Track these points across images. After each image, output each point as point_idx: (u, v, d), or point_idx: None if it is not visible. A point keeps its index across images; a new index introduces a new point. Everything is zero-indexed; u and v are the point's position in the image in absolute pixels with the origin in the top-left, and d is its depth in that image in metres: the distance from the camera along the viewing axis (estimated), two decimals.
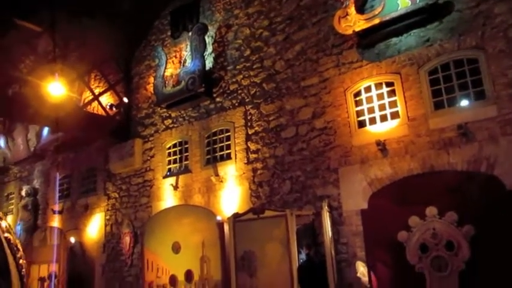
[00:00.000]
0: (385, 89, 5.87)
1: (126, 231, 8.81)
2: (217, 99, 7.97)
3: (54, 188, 10.57)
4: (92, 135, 9.61)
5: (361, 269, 5.34)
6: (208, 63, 8.09)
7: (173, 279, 7.07)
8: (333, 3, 6.50)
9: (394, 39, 5.81)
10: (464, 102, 5.25)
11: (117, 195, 9.35)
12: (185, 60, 8.50)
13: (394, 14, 5.54)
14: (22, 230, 10.74)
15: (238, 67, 7.75)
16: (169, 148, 8.67)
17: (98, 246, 9.30)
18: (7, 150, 11.61)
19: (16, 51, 9.18)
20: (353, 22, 5.91)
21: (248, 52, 7.64)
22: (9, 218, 12.16)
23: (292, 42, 7.01)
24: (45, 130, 10.52)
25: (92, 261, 9.31)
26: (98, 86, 10.30)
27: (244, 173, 7.21)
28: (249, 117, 7.40)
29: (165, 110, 8.81)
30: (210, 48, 8.15)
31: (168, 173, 8.46)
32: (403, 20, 5.58)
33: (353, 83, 6.14)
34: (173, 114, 8.71)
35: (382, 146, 5.57)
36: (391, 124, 5.66)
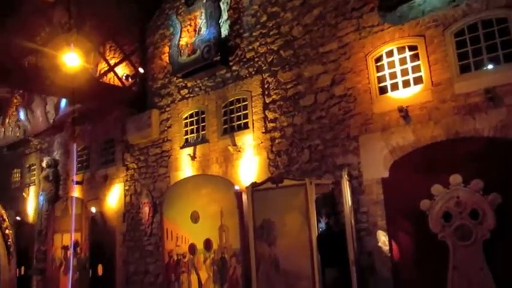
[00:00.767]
0: (407, 53, 5.62)
1: (145, 201, 8.89)
2: (234, 68, 7.81)
3: (75, 159, 10.69)
4: (109, 107, 9.62)
5: (382, 238, 5.27)
6: (224, 31, 7.89)
7: (192, 248, 7.14)
8: None
9: (418, 0, 5.51)
10: (492, 65, 4.99)
11: (135, 166, 9.40)
12: (200, 28, 8.30)
13: None
14: (44, 200, 10.97)
15: (254, 34, 7.54)
16: (186, 118, 8.61)
17: (118, 216, 9.45)
18: (27, 123, 11.72)
19: (31, 23, 9.14)
20: None
21: (264, 18, 7.41)
22: (32, 189, 12.44)
23: (310, 6, 6.74)
24: (63, 102, 10.54)
25: (113, 231, 9.47)
26: (113, 57, 10.24)
27: (262, 143, 7.12)
28: (266, 86, 7.24)
29: (181, 79, 8.71)
30: (225, 15, 7.93)
31: (186, 143, 8.43)
32: None
33: (374, 47, 5.90)
34: (189, 84, 8.60)
35: (404, 112, 5.38)
36: (414, 90, 5.45)
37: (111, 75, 9.58)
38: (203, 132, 8.20)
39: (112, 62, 9.77)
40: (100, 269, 9.20)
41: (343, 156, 5.99)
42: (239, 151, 7.41)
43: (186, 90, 8.67)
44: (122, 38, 9.95)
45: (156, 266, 8.47)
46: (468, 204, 4.54)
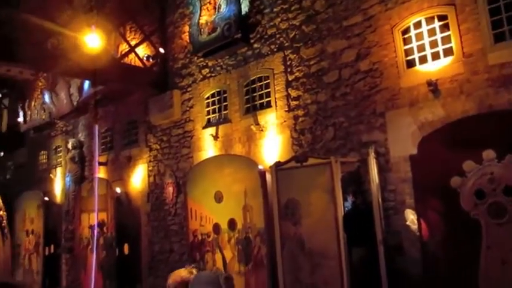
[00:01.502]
0: (437, 24, 5.35)
1: (169, 181, 8.93)
2: (255, 46, 7.64)
3: (97, 141, 10.80)
4: (131, 88, 9.62)
5: (411, 217, 5.12)
6: (244, 8, 7.69)
7: (217, 228, 7.14)
8: None
9: None
10: None
11: (158, 147, 9.43)
12: (220, 5, 8.11)
13: None
14: (71, 181, 11.17)
15: (275, 10, 7.33)
16: (207, 98, 8.53)
17: (142, 196, 9.54)
18: (52, 106, 11.88)
19: (53, 5, 9.14)
20: None
21: None
22: (59, 170, 12.68)
23: None
24: (86, 84, 10.60)
25: (138, 210, 9.58)
26: (133, 38, 10.18)
27: (285, 121, 6.99)
28: (288, 63, 7.07)
29: (201, 59, 8.60)
30: None
31: (208, 124, 8.37)
32: None
33: (401, 19, 5.64)
34: (210, 63, 8.49)
35: (433, 86, 5.15)
36: (444, 62, 5.20)
37: (132, 56, 9.54)
38: (225, 112, 8.11)
39: (133, 43, 9.72)
40: (126, 248, 9.35)
41: (369, 134, 5.82)
42: (262, 130, 7.31)
43: (207, 70, 8.57)
44: (142, 18, 9.88)
45: (180, 245, 8.54)
46: (502, 181, 4.33)
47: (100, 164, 10.63)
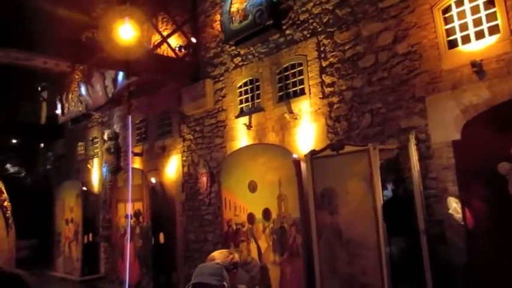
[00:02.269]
0: (481, 0, 5.04)
1: (203, 171, 8.94)
2: (287, 32, 7.49)
3: (132, 132, 10.95)
4: (164, 78, 9.66)
5: (454, 205, 4.89)
6: None
7: (251, 217, 7.09)
8: None
9: None
10: None
11: (191, 137, 9.45)
12: None
13: None
14: (107, 171, 11.40)
15: None
16: (240, 87, 8.45)
17: (177, 186, 9.61)
18: (88, 98, 12.10)
19: None
20: None
21: None
22: (96, 161, 12.97)
23: None
24: (120, 76, 10.73)
25: (172, 200, 9.67)
26: (165, 29, 10.21)
27: (319, 108, 6.83)
28: (322, 48, 6.88)
29: (233, 47, 8.52)
30: None
31: (241, 113, 8.31)
32: None
33: None
34: (242, 52, 8.39)
35: (478, 67, 4.87)
36: (489, 41, 4.90)
37: (164, 46, 9.56)
38: (258, 101, 8.02)
39: (165, 33, 9.74)
40: (161, 237, 9.48)
41: (408, 119, 5.59)
42: (296, 118, 7.17)
43: (239, 58, 8.48)
44: (173, 8, 9.88)
45: (215, 235, 8.56)
46: None
47: (135, 154, 10.79)
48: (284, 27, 7.50)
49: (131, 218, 9.76)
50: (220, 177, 7.86)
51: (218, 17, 8.74)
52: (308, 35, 7.11)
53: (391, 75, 5.88)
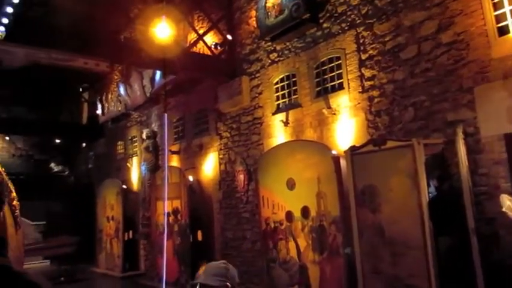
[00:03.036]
0: None
1: (240, 169, 8.88)
2: (324, 25, 7.30)
3: (170, 130, 11.04)
4: (200, 76, 9.67)
5: (507, 203, 4.57)
6: None
7: (289, 215, 6.96)
8: None
9: None
10: None
11: (228, 135, 9.41)
12: None
13: None
14: (146, 169, 11.56)
15: None
16: (276, 83, 8.33)
17: (214, 184, 9.60)
18: (127, 97, 12.32)
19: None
20: None
21: None
22: (135, 159, 13.20)
23: None
24: (158, 75, 10.84)
25: (210, 198, 9.67)
26: (201, 27, 10.22)
27: (359, 103, 6.62)
28: (361, 41, 6.66)
29: (269, 43, 8.40)
30: None
31: (277, 109, 8.19)
32: None
33: None
34: (278, 47, 8.27)
35: None
36: None
37: (200, 44, 9.58)
38: (295, 97, 7.87)
39: (200, 31, 9.74)
40: (199, 235, 9.50)
41: (455, 112, 5.30)
42: (334, 114, 6.98)
43: (275, 54, 8.36)
44: (209, 6, 9.87)
45: (252, 233, 8.49)
46: None
47: (173, 152, 10.88)
48: (321, 20, 7.32)
49: (170, 216, 9.84)
50: (257, 175, 7.78)
51: (253, 13, 8.66)
52: (346, 28, 6.90)
53: (435, 66, 5.60)
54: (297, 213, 6.83)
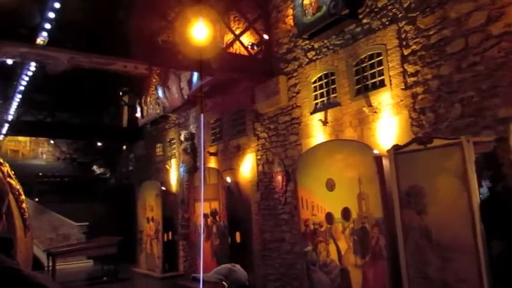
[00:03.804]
0: None
1: (278, 170, 8.77)
2: (364, 21, 7.08)
3: (207, 132, 11.07)
4: (237, 77, 9.63)
5: None
6: None
7: (329, 217, 6.77)
8: None
9: None
10: None
11: (266, 135, 9.31)
12: None
13: None
14: (184, 171, 11.65)
15: None
16: (314, 82, 8.16)
17: (252, 185, 9.52)
18: (165, 100, 12.47)
19: (163, 1, 9.52)
20: None
21: None
22: (173, 161, 13.34)
23: None
24: (195, 77, 10.89)
25: (248, 199, 9.60)
26: (237, 27, 10.19)
27: (401, 100, 6.35)
28: (403, 36, 6.40)
29: (307, 41, 8.25)
30: None
31: (316, 109, 8.02)
32: None
33: None
34: (316, 45, 8.10)
35: None
36: None
37: (236, 45, 9.54)
38: (334, 95, 7.68)
39: (237, 32, 9.71)
40: (238, 236, 9.45)
41: (508, 107, 4.96)
42: (375, 112, 6.75)
43: (313, 52, 8.19)
44: (245, 5, 9.82)
45: (291, 235, 8.35)
46: None
47: (210, 154, 10.90)
48: (360, 16, 7.10)
49: (208, 217, 9.85)
50: (296, 176, 7.63)
51: (290, 11, 8.53)
52: (387, 23, 6.65)
53: (484, 60, 5.28)
54: (337, 215, 6.64)
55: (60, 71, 8.16)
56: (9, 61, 8.22)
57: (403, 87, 6.32)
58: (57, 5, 6.37)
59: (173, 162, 13.40)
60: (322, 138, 7.70)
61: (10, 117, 14.98)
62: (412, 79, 6.19)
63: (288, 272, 8.41)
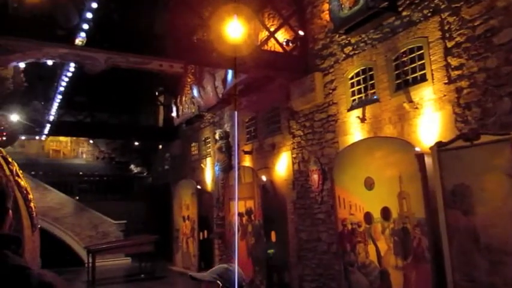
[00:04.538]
0: None
1: (314, 168, 8.60)
2: (404, 13, 6.81)
3: (242, 130, 11.02)
4: (271, 74, 9.52)
5: None
6: None
7: (368, 217, 6.57)
8: None
9: None
10: None
11: (301, 133, 9.16)
12: None
13: None
14: (219, 170, 11.64)
15: None
16: (351, 78, 7.94)
17: (287, 184, 9.39)
18: (200, 99, 12.51)
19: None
20: None
21: None
22: (208, 160, 13.38)
23: None
24: (229, 76, 10.86)
25: (283, 198, 9.47)
26: (272, 24, 10.08)
27: (444, 95, 6.06)
28: (446, 27, 6.10)
29: (343, 36, 8.04)
30: None
31: (353, 105, 7.80)
32: None
33: None
34: (353, 40, 7.88)
35: None
36: None
37: (271, 42, 9.43)
38: (372, 91, 7.44)
39: (271, 29, 9.60)
40: (273, 236, 9.34)
41: None
42: (416, 108, 6.47)
43: (349, 48, 7.97)
44: (280, 2, 9.70)
45: (328, 235, 8.16)
46: None
47: (245, 152, 10.85)
48: (400, 8, 6.84)
49: (243, 216, 9.80)
50: (333, 174, 7.45)
51: (326, 6, 8.34)
52: (429, 14, 6.36)
53: None
54: (377, 215, 6.42)
55: (98, 72, 8.30)
56: (49, 62, 8.46)
57: (446, 81, 6.03)
58: (94, 5, 6.45)
59: (208, 161, 13.45)
60: (360, 136, 7.48)
61: (51, 118, 15.46)
62: (456, 72, 5.89)
63: (325, 273, 8.23)
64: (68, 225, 16.60)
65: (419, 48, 6.54)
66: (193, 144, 14.89)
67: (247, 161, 10.82)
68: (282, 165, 9.63)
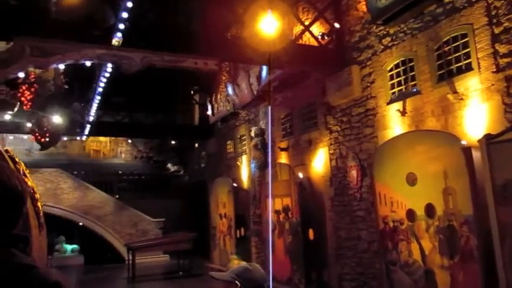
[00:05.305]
0: None
1: (352, 164, 8.36)
2: (446, 0, 6.48)
3: (278, 127, 10.90)
4: (306, 69, 9.35)
5: None
6: None
7: (411, 214, 6.30)
8: None
9: None
10: None
11: (338, 128, 8.94)
12: None
13: None
14: (255, 167, 11.57)
15: None
16: (390, 70, 7.65)
17: (325, 181, 9.18)
18: (235, 97, 12.47)
19: None
20: None
21: None
22: (244, 158, 13.33)
23: None
24: (264, 72, 10.75)
25: (321, 195, 9.28)
26: (306, 18, 9.87)
27: (492, 85, 5.71)
28: (493, 13, 5.74)
29: (381, 27, 7.76)
30: None
31: (393, 98, 7.51)
32: None
33: None
34: (391, 31, 7.59)
35: None
36: None
37: (306, 36, 9.25)
38: (413, 83, 7.13)
39: (306, 23, 9.41)
40: (311, 233, 9.17)
41: None
42: (461, 99, 6.14)
43: (388, 39, 7.69)
44: None
45: (368, 233, 7.91)
46: None
47: (281, 149, 10.71)
48: None
49: (280, 214, 9.68)
50: (372, 170, 7.21)
51: None
52: (474, 0, 6.02)
53: None
54: (420, 212, 6.15)
55: (134, 71, 8.39)
56: (88, 63, 8.62)
57: (495, 70, 5.68)
58: (129, 4, 6.50)
59: (244, 158, 13.40)
60: (401, 130, 7.20)
61: (91, 119, 15.85)
62: (505, 60, 5.54)
63: (366, 272, 7.99)
64: (109, 223, 17.02)
65: (464, 36, 6.21)
66: (228, 142, 14.90)
67: (283, 158, 10.69)
68: (319, 162, 9.44)
